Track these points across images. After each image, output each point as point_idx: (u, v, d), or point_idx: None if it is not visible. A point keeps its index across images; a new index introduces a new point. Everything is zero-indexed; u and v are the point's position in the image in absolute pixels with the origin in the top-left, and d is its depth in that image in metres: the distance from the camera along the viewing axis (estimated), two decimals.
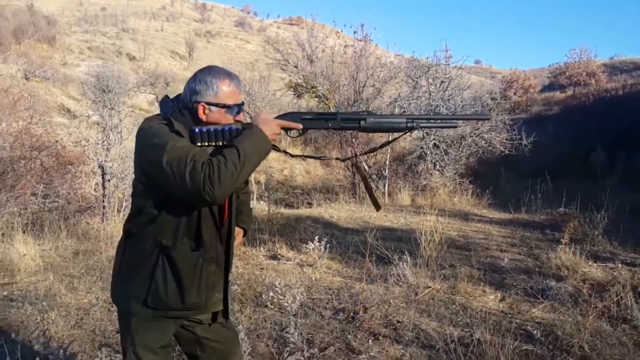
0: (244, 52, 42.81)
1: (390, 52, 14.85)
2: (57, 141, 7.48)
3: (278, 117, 1.79)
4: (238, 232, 2.08)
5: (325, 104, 11.75)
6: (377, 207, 2.07)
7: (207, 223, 1.76)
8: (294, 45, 14.23)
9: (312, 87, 12.03)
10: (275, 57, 13.63)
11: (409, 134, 1.95)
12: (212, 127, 1.70)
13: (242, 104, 1.83)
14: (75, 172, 7.43)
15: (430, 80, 10.84)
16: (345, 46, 12.30)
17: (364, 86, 11.02)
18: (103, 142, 7.60)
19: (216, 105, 1.74)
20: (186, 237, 1.74)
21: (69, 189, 7.09)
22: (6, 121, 6.99)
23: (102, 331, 3.48)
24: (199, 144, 1.68)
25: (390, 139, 2.13)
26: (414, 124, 1.85)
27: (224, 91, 1.75)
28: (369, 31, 11.69)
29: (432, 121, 2.06)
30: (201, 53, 37.24)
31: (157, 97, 23.06)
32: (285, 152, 1.98)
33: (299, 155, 2.12)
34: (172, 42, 39.78)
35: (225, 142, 1.68)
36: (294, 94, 14.11)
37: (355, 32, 11.69)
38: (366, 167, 10.40)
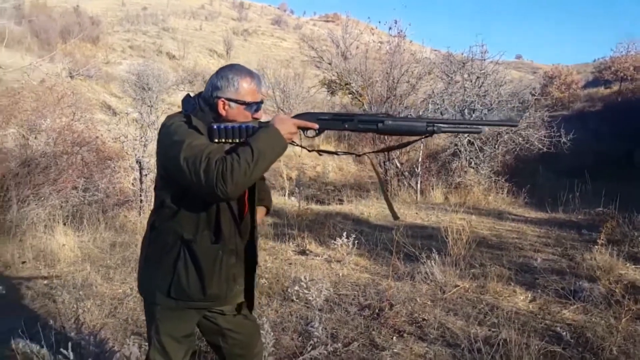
0: (279, 50, 43.11)
1: (426, 48, 14.70)
2: (97, 137, 7.75)
3: (295, 117, 1.82)
4: (260, 209, 2.10)
5: (359, 100, 11.73)
6: (395, 216, 2.04)
7: (226, 216, 1.81)
8: (328, 42, 14.26)
9: (346, 84, 12.04)
10: (309, 55, 13.70)
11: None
12: (229, 125, 1.74)
13: (261, 102, 1.87)
14: (114, 167, 7.69)
15: (466, 76, 10.64)
16: (380, 42, 12.23)
17: (397, 82, 10.93)
18: (141, 138, 7.83)
19: (236, 101, 1.79)
20: (206, 230, 1.79)
21: (108, 183, 7.35)
22: (50, 117, 7.30)
23: (135, 320, 3.61)
24: (216, 140, 1.72)
25: (411, 141, 2.04)
26: (435, 128, 1.81)
27: (245, 88, 1.79)
28: (404, 27, 11.58)
29: (453, 126, 1.97)
30: (238, 51, 37.73)
31: (188, 94, 23.49)
32: (302, 147, 2.00)
33: (314, 150, 2.09)
34: (211, 41, 40.45)
35: (242, 140, 1.72)
36: (328, 91, 14.18)
37: (389, 28, 11.62)
38: (398, 164, 10.33)
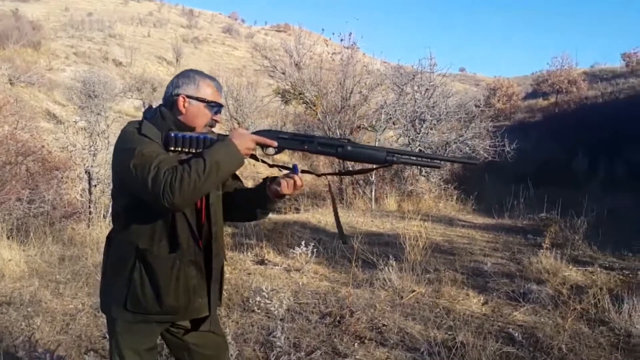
0: (231, 59, 42.83)
1: (376, 60, 15.01)
2: (43, 146, 7.43)
3: (255, 133, 1.79)
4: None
5: (313, 110, 11.83)
6: (344, 240, 2.03)
7: (183, 226, 1.76)
8: (281, 52, 14.31)
9: (300, 94, 12.11)
10: (263, 64, 13.72)
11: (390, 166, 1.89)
12: (187, 134, 1.71)
13: (222, 106, 1.86)
14: (62, 178, 7.39)
15: (416, 88, 10.99)
16: (333, 53, 12.40)
17: (351, 93, 11.12)
18: (90, 147, 7.56)
19: (197, 99, 1.78)
20: (163, 240, 1.75)
21: (54, 195, 7.04)
22: None
23: (89, 336, 3.49)
24: (172, 148, 1.69)
25: (370, 168, 2.02)
26: (394, 158, 1.80)
27: (205, 87, 1.80)
28: (356, 39, 11.81)
29: (412, 157, 1.98)
30: (188, 59, 37.15)
31: (143, 103, 22.95)
32: (263, 161, 1.98)
33: (275, 165, 2.05)
34: (159, 48, 39.67)
35: (198, 150, 1.69)
36: (282, 100, 14.19)
37: (342, 39, 11.81)
38: (352, 170, 10.47)
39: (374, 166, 1.90)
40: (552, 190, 9.78)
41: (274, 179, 1.85)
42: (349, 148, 1.81)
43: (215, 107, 1.82)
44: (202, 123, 1.81)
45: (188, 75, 1.81)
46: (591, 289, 3.97)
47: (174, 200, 1.55)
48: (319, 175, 2.11)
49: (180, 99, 1.77)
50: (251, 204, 1.92)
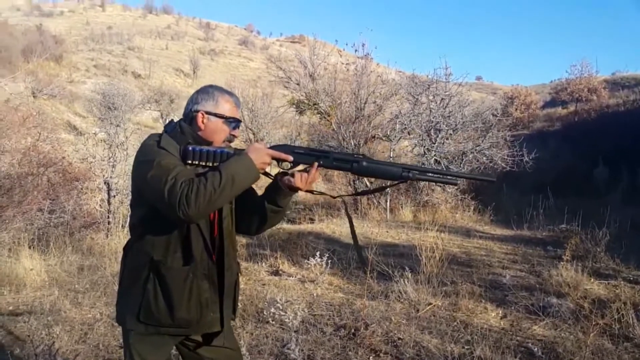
0: (247, 70, 43.27)
1: (391, 69, 15.02)
2: (64, 157, 7.57)
3: (271, 148, 1.80)
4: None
5: (327, 120, 11.85)
6: (363, 262, 2.02)
7: (197, 238, 1.78)
8: (296, 63, 14.41)
9: (314, 104, 12.15)
10: (277, 75, 13.82)
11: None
12: (205, 148, 1.73)
13: (240, 121, 1.89)
14: (81, 188, 7.52)
15: (431, 97, 10.93)
16: (347, 64, 12.44)
17: (365, 103, 11.12)
18: (109, 158, 7.68)
19: (215, 115, 1.80)
20: (178, 252, 1.76)
21: (74, 205, 7.16)
22: (15, 138, 7.10)
23: (106, 346, 3.52)
24: (189, 161, 1.71)
25: (385, 186, 2.01)
26: (410, 174, 1.79)
27: (224, 103, 1.82)
28: (370, 49, 11.84)
29: (429, 174, 1.95)
30: (205, 71, 37.67)
31: (161, 114, 23.27)
32: (271, 177, 1.98)
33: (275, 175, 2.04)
34: (177, 60, 40.30)
35: (215, 164, 1.71)
36: (296, 111, 14.26)
37: (356, 50, 11.84)
38: (368, 183, 10.44)
39: (389, 183, 1.88)
40: (572, 201, 9.62)
41: (285, 174, 1.85)
42: (364, 164, 1.81)
43: (234, 122, 1.85)
44: (220, 138, 1.83)
45: (207, 91, 1.84)
46: (614, 303, 3.87)
47: (189, 211, 1.57)
48: (334, 198, 2.10)
49: (199, 115, 1.80)
50: (261, 201, 1.90)
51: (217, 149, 1.74)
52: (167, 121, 1.91)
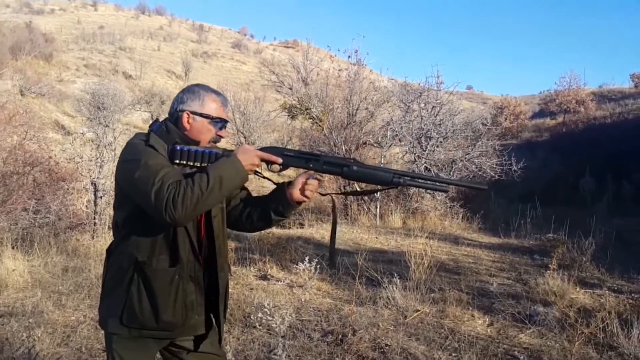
0: (239, 73, 43.21)
1: (383, 77, 15.08)
2: (50, 157, 7.47)
3: (261, 150, 1.78)
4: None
5: (319, 125, 11.86)
6: (332, 264, 2.02)
7: (184, 239, 1.74)
8: (289, 67, 14.43)
9: (306, 109, 12.16)
10: (270, 79, 13.82)
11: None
12: (193, 148, 1.70)
13: (227, 121, 1.85)
14: (68, 189, 7.42)
15: (422, 105, 10.99)
16: (340, 70, 12.47)
17: (357, 109, 11.15)
18: (96, 159, 7.59)
19: (200, 115, 1.77)
20: (163, 254, 1.73)
21: (60, 205, 7.06)
22: (0, 136, 7.00)
23: (89, 349, 3.46)
24: (177, 161, 1.68)
25: (376, 189, 2.01)
26: (401, 180, 1.78)
27: (210, 103, 1.78)
28: (363, 56, 11.88)
29: (420, 180, 1.91)
30: (197, 73, 37.54)
31: (152, 115, 23.13)
32: (267, 179, 1.95)
33: (279, 184, 2.04)
34: (169, 62, 40.14)
35: (203, 164, 1.68)
36: (288, 115, 14.24)
37: (349, 56, 11.88)
38: (358, 189, 10.44)
39: (379, 187, 1.88)
40: (559, 210, 9.71)
41: (290, 183, 1.84)
42: (355, 168, 1.80)
43: (220, 122, 1.82)
44: (206, 138, 1.80)
45: (193, 90, 1.80)
46: (599, 313, 3.89)
47: (176, 215, 1.55)
48: (323, 195, 2.09)
49: (185, 115, 1.77)
50: (266, 210, 1.88)
51: (206, 149, 1.71)
52: (155, 117, 1.87)
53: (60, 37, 36.24)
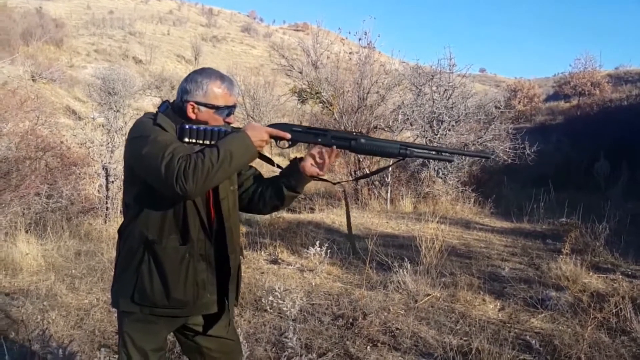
0: (249, 57, 43.02)
1: (394, 59, 14.87)
2: (62, 142, 7.52)
3: (269, 126, 1.79)
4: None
5: (329, 109, 11.78)
6: (355, 251, 2.03)
7: (194, 218, 1.75)
8: (299, 51, 14.30)
9: (317, 93, 12.06)
10: (280, 63, 13.70)
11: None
12: (201, 126, 1.70)
13: (234, 106, 1.82)
14: (80, 173, 7.47)
15: (434, 88, 10.85)
16: (350, 53, 12.33)
17: (368, 92, 11.03)
18: (108, 144, 7.62)
19: (205, 105, 1.75)
20: (173, 233, 1.73)
21: (72, 190, 7.12)
22: (13, 122, 7.04)
23: (102, 332, 3.50)
24: (186, 139, 1.68)
25: (384, 167, 2.06)
26: (407, 152, 1.80)
27: (214, 92, 1.75)
28: (373, 38, 11.73)
29: (425, 151, 1.98)
30: (207, 57, 37.44)
31: (162, 100, 23.17)
32: (279, 167, 1.94)
33: (293, 159, 2.08)
34: (179, 46, 40.06)
35: (212, 142, 1.68)
36: (298, 99, 14.17)
37: (359, 39, 11.73)
38: (368, 172, 10.40)
39: (390, 162, 1.91)
40: (573, 194, 9.59)
41: (302, 159, 1.85)
42: (363, 141, 1.82)
43: (227, 110, 1.79)
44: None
45: (195, 80, 1.76)
46: (613, 297, 3.85)
47: (186, 187, 1.55)
48: (334, 184, 2.10)
49: (189, 106, 1.75)
50: (278, 185, 1.89)
51: (215, 127, 1.71)
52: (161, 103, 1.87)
53: (71, 23, 36.30)
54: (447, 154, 1.95)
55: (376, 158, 9.82)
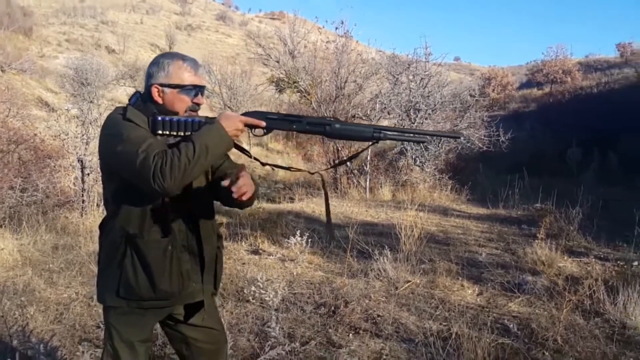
0: (225, 46, 42.48)
1: (371, 48, 14.93)
2: (35, 134, 7.34)
3: (243, 115, 1.77)
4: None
5: (307, 99, 11.76)
6: (331, 236, 2.05)
7: (174, 210, 1.74)
8: (275, 40, 14.20)
9: (294, 82, 12.02)
10: (257, 52, 13.59)
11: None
12: (175, 117, 1.69)
13: (202, 87, 1.80)
14: (54, 166, 7.31)
15: (411, 77, 10.94)
16: (327, 42, 12.30)
17: (345, 82, 11.05)
18: (82, 135, 7.47)
19: (168, 85, 1.72)
20: (154, 225, 1.72)
21: (47, 183, 6.97)
22: None
23: (82, 326, 3.47)
24: (159, 132, 1.67)
25: (359, 152, 2.10)
26: (381, 135, 1.82)
27: (176, 71, 1.73)
28: (350, 27, 11.73)
29: (399, 134, 2.01)
30: (182, 46, 36.79)
31: (136, 90, 22.72)
32: (256, 159, 1.93)
33: (267, 164, 2.05)
34: (152, 35, 39.31)
35: (187, 133, 1.67)
36: (276, 89, 14.11)
37: (336, 28, 11.72)
38: (348, 163, 10.46)
39: (365, 146, 1.93)
40: (547, 181, 9.82)
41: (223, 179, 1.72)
42: (337, 126, 1.84)
43: (193, 90, 1.76)
44: (182, 108, 1.76)
45: (157, 62, 1.75)
46: (586, 280, 3.98)
47: (164, 184, 1.54)
48: (312, 173, 2.11)
49: (154, 89, 1.73)
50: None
51: (188, 118, 1.70)
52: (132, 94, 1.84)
53: (40, 11, 35.20)
54: (419, 136, 2.01)
55: (354, 147, 9.88)
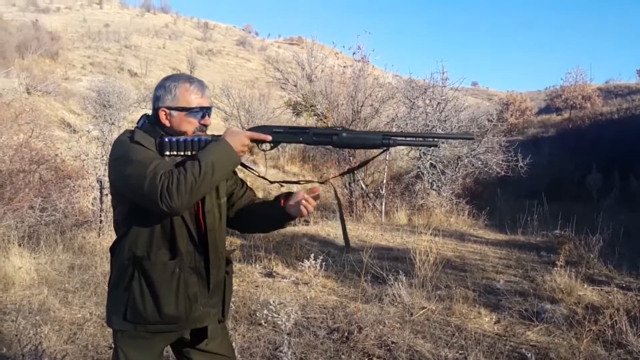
0: (244, 71, 43.23)
1: (388, 73, 14.97)
2: (56, 155, 7.50)
3: (249, 130, 1.77)
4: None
5: (324, 122, 11.82)
6: (347, 245, 2.05)
7: (182, 233, 1.74)
8: (293, 64, 14.38)
9: (311, 106, 12.11)
10: (275, 76, 13.77)
11: (387, 152, 1.92)
12: (181, 138, 1.70)
13: (209, 107, 1.80)
14: (74, 186, 7.43)
15: (427, 101, 10.94)
16: (344, 66, 12.41)
17: (362, 106, 11.10)
18: (102, 156, 7.61)
19: (175, 109, 1.73)
20: (163, 247, 1.72)
21: (66, 203, 7.07)
22: (7, 134, 7.02)
23: (95, 347, 3.47)
24: (167, 153, 1.68)
25: (370, 158, 2.09)
26: (390, 141, 1.80)
27: (183, 94, 1.73)
28: (367, 52, 11.83)
29: (409, 139, 2.02)
30: (202, 70, 37.58)
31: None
32: (264, 178, 1.95)
33: (275, 182, 2.05)
34: (174, 60, 40.25)
35: (194, 152, 1.67)
36: (293, 112, 14.22)
37: (353, 53, 11.83)
38: (363, 186, 10.43)
39: (375, 153, 1.91)
40: (566, 207, 9.64)
41: (289, 195, 1.85)
42: (345, 135, 1.81)
43: (200, 111, 1.77)
44: (189, 130, 1.77)
45: (164, 86, 1.76)
46: (607, 310, 3.86)
47: (172, 204, 1.55)
48: (322, 183, 2.10)
49: (161, 112, 1.74)
50: (268, 219, 1.93)
51: (194, 137, 1.70)
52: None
53: (66, 35, 36.40)
54: (430, 139, 1.97)
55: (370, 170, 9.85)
